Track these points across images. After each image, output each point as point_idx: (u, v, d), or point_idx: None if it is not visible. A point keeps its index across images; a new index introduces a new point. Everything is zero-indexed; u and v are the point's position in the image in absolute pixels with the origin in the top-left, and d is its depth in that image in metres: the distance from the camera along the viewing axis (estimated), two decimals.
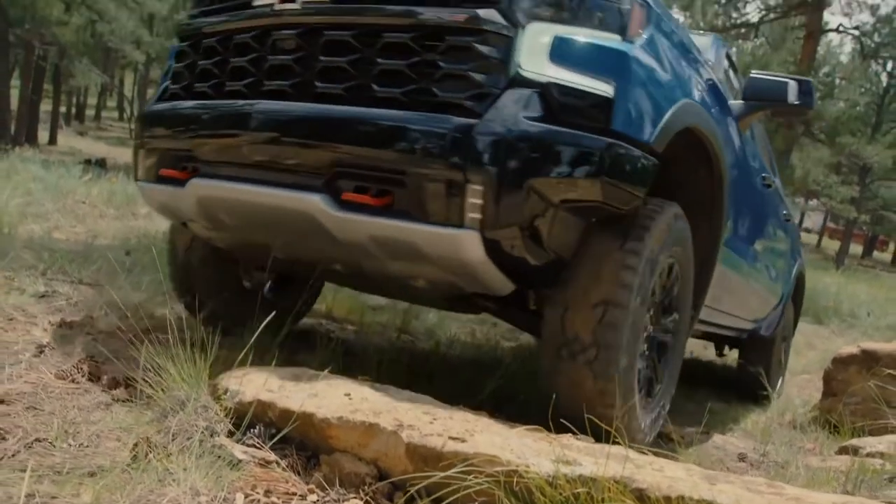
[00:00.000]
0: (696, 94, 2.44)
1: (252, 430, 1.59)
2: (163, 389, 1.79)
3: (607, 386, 2.00)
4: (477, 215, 1.84)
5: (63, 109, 30.14)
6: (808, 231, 49.21)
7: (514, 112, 1.85)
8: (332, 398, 1.71)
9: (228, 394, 1.66)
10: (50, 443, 1.54)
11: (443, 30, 1.93)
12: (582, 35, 1.96)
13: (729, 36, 21.58)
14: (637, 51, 2.02)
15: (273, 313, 2.19)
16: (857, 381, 3.63)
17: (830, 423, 3.50)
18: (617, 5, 2.03)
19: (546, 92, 1.89)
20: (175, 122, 2.43)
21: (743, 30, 22.42)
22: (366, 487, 1.53)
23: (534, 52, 1.91)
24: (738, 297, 3.51)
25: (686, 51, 2.49)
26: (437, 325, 4.50)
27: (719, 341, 4.77)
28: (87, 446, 1.53)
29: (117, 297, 2.83)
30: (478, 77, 1.89)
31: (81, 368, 2.14)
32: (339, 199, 1.97)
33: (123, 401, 1.85)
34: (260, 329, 1.75)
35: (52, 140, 26.37)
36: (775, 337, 4.50)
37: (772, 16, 20.87)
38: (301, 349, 2.84)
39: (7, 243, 4.01)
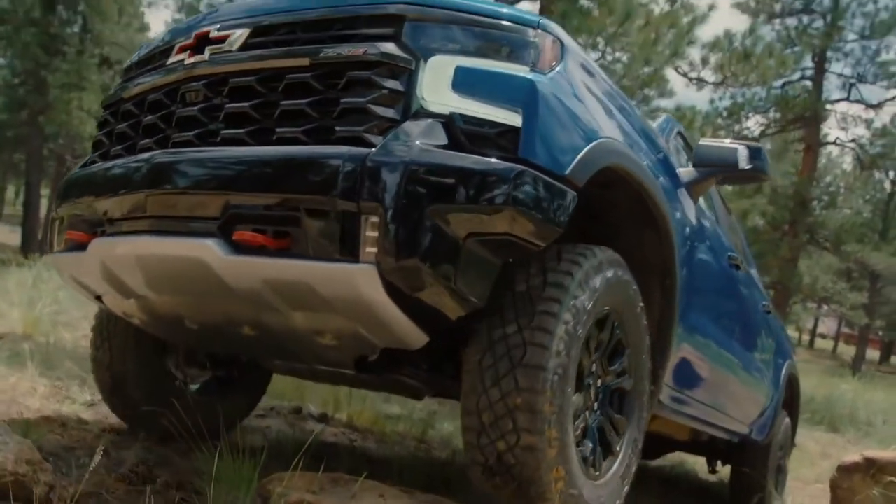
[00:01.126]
0: (622, 137, 2.34)
1: None
2: (216, 491, 2.01)
3: (529, 464, 1.89)
4: (373, 249, 1.73)
5: None
6: (823, 337, 48.77)
7: (412, 139, 1.78)
8: (368, 499, 1.94)
9: (276, 495, 1.88)
10: None
11: (343, 65, 1.90)
12: (487, 66, 1.92)
13: None
14: (547, 83, 1.94)
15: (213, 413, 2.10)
16: (861, 489, 3.71)
17: None
18: (525, 38, 1.99)
19: (450, 122, 1.83)
20: (83, 188, 2.39)
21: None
22: None
23: (436, 84, 1.87)
24: (716, 386, 3.38)
25: (610, 95, 2.43)
26: (452, 435, 4.66)
27: (711, 453, 4.67)
28: None
29: None
30: (378, 110, 1.83)
31: (136, 472, 2.37)
32: (231, 242, 1.88)
33: (180, 501, 2.07)
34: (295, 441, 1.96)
35: None
36: (770, 443, 4.42)
37: (772, 129, 21.71)
38: (328, 457, 3.03)
39: (52, 353, 4.29)
